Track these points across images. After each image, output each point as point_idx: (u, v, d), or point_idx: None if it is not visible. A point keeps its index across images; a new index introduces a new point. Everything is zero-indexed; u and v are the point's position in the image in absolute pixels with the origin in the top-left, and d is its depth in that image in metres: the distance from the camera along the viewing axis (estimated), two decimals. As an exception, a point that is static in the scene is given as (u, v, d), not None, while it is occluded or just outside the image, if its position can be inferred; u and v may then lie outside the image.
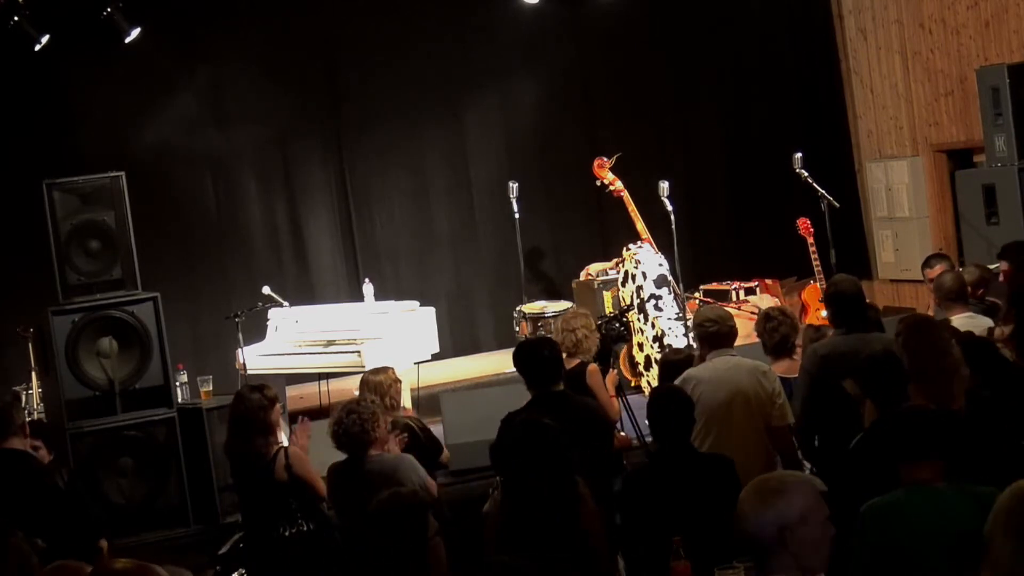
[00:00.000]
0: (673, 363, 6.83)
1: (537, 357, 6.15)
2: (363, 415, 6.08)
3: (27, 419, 6.75)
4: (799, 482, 3.46)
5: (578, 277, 11.36)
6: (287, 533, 6.37)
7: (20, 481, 6.03)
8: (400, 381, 7.05)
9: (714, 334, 6.32)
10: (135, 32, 10.95)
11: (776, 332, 6.69)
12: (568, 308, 10.28)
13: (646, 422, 8.59)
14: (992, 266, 8.47)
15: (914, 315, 5.92)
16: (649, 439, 8.13)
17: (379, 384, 6.81)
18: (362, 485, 6.04)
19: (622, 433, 7.54)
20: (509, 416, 5.96)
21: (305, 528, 6.36)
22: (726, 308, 10.54)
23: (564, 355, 7.19)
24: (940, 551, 3.93)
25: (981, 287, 7.67)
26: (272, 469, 6.34)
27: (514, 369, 6.37)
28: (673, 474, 5.03)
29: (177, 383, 8.86)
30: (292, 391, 10.59)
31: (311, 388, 10.50)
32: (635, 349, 10.35)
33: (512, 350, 6.28)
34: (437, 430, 7.51)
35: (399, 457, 6.21)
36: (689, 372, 6.27)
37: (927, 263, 8.18)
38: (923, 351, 5.15)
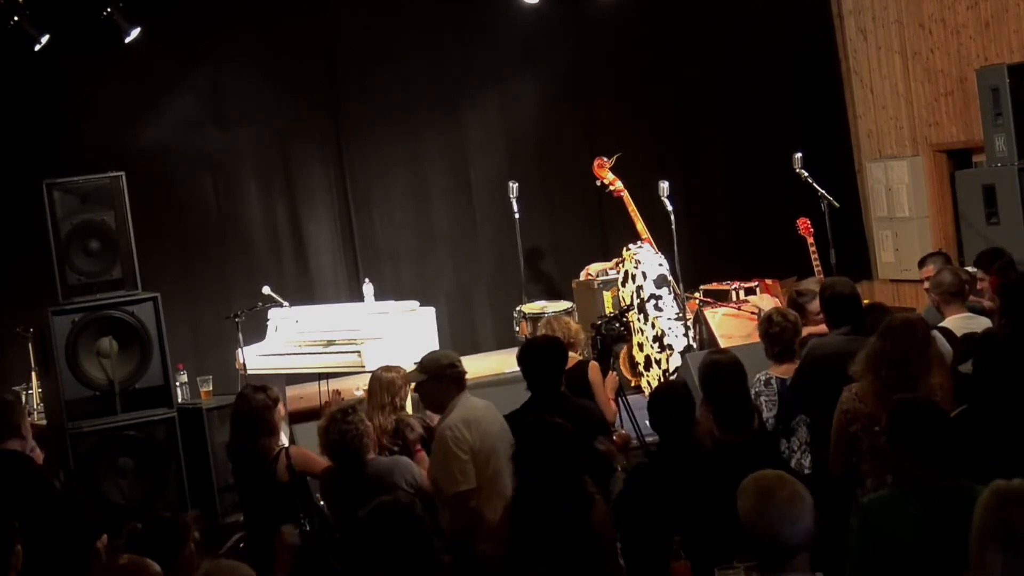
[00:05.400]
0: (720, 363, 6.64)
1: (545, 357, 6.13)
2: (358, 426, 6.08)
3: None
4: (797, 481, 3.63)
5: (578, 277, 11.36)
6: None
7: (17, 481, 6.04)
8: (410, 381, 7.07)
9: None
10: (135, 32, 10.94)
11: (780, 339, 6.66)
12: (568, 308, 10.30)
13: (647, 422, 8.66)
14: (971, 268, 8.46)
15: (895, 316, 5.83)
16: (650, 439, 8.16)
17: (391, 382, 6.84)
18: (360, 490, 6.04)
19: (622, 430, 7.52)
20: (504, 419, 5.95)
21: (307, 528, 6.36)
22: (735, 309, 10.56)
23: None
24: (934, 547, 3.94)
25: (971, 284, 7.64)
26: (274, 470, 6.35)
27: (514, 369, 6.37)
28: (676, 470, 5.01)
29: (177, 383, 8.86)
30: (292, 391, 10.58)
31: (311, 388, 10.49)
32: (635, 349, 10.36)
33: (512, 350, 6.29)
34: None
35: (394, 460, 6.22)
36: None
37: (922, 262, 8.17)
38: (897, 354, 5.13)
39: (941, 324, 6.88)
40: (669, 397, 5.28)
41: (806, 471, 6.37)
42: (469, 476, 5.67)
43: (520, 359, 6.21)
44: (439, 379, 5.94)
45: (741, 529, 3.58)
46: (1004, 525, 3.14)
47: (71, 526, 5.95)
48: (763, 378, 6.52)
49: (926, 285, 7.65)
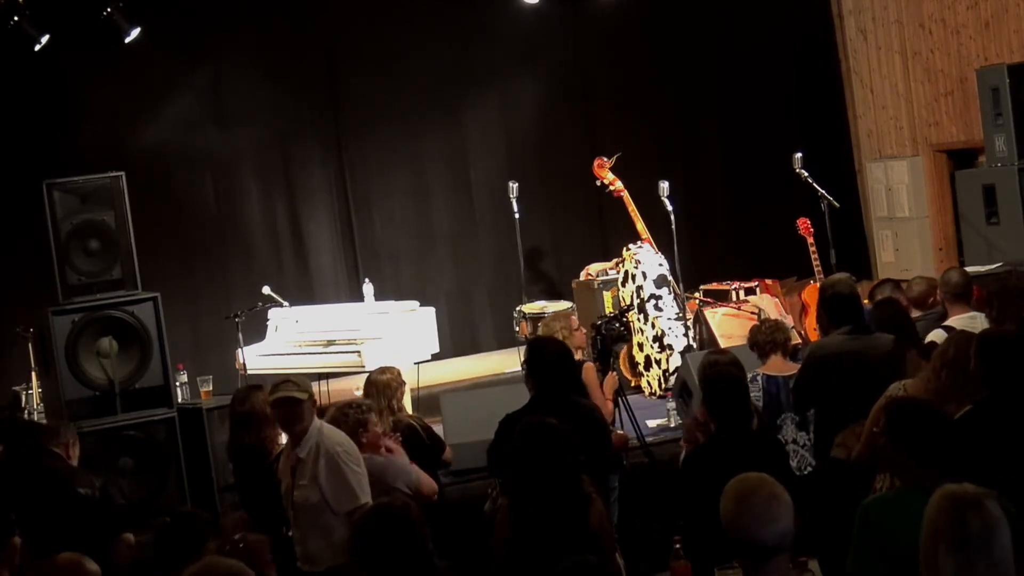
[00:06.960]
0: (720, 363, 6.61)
1: (552, 361, 6.11)
2: (353, 417, 6.09)
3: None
4: (776, 483, 3.64)
5: (578, 277, 11.35)
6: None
7: (54, 474, 6.30)
8: (405, 383, 7.07)
9: None
10: (135, 32, 10.94)
11: (769, 337, 6.97)
12: (569, 308, 10.29)
13: (647, 422, 8.68)
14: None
15: (959, 333, 5.78)
16: (649, 439, 8.18)
17: (386, 384, 6.84)
18: None
19: (620, 431, 7.53)
20: (508, 417, 5.95)
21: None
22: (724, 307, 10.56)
23: None
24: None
25: (931, 296, 7.64)
26: (275, 468, 6.36)
27: (514, 369, 6.37)
28: (734, 454, 5.00)
29: (177, 383, 8.85)
30: (292, 391, 10.58)
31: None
32: (635, 349, 10.35)
33: (512, 350, 6.27)
34: (437, 430, 7.52)
35: (387, 460, 6.21)
36: None
37: (871, 295, 8.14)
38: (964, 367, 5.11)
39: (945, 323, 6.91)
40: (723, 380, 5.29)
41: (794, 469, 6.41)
42: (367, 490, 5.69)
43: (526, 361, 6.19)
44: (312, 400, 5.91)
45: (723, 530, 3.60)
46: (957, 529, 3.18)
47: (100, 518, 6.12)
48: (749, 376, 6.56)
49: None
